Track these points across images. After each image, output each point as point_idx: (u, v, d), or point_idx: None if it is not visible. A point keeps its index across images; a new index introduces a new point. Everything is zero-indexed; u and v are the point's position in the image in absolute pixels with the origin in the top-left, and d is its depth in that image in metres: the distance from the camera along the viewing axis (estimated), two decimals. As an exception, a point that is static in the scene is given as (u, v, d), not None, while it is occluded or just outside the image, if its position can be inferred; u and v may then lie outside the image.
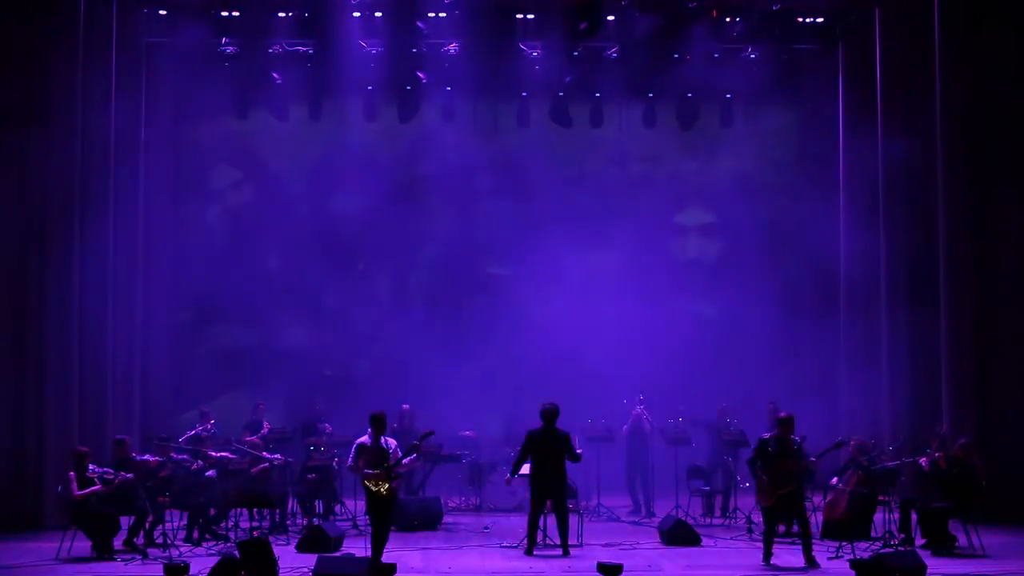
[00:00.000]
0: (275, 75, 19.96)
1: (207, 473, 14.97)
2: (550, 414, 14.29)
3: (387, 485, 12.88)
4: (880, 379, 18.11)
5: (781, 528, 14.46)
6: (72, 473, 13.70)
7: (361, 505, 16.22)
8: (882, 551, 12.81)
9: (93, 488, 13.63)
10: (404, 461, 13.28)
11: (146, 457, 14.65)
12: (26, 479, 15.74)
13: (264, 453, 15.80)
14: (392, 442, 13.24)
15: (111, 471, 13.88)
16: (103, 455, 15.04)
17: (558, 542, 14.09)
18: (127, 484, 13.87)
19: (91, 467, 13.82)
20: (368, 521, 13.35)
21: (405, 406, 17.63)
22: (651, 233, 21.95)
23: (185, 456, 15.04)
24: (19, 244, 16.02)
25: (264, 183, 21.89)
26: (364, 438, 13.15)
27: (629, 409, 17.73)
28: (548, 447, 14.19)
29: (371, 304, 21.90)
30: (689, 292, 21.69)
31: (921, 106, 17.31)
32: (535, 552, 13.99)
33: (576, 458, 14.34)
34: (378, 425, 13.15)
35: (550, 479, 14.09)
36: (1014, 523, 15.35)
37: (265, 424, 17.29)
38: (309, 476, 16.08)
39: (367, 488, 12.97)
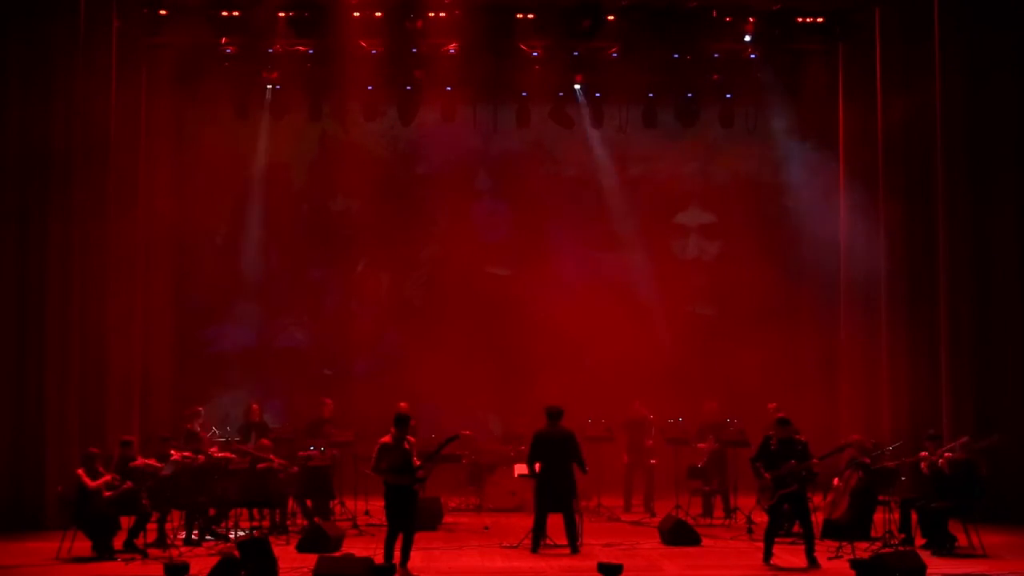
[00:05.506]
0: (274, 75, 19.95)
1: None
2: (554, 414, 14.26)
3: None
4: (880, 378, 18.09)
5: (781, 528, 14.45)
6: (80, 470, 13.73)
7: (361, 505, 16.29)
8: (882, 551, 12.80)
9: (104, 479, 13.67)
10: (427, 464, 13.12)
11: (150, 461, 14.63)
12: (26, 479, 15.73)
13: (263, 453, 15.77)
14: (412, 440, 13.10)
15: (117, 477, 13.89)
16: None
17: (559, 542, 14.10)
18: (129, 492, 13.87)
19: (101, 470, 13.83)
20: (386, 521, 13.02)
21: (403, 404, 17.61)
22: (651, 233, 21.95)
23: (187, 455, 15.01)
24: (19, 244, 16.02)
25: (264, 183, 21.87)
26: (386, 438, 12.88)
27: (627, 404, 17.81)
28: (554, 449, 14.13)
29: (371, 304, 21.89)
30: (689, 292, 21.70)
31: (922, 106, 17.29)
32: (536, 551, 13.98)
33: (583, 469, 14.27)
34: (402, 425, 12.90)
35: (557, 486, 14.02)
36: (1014, 523, 15.36)
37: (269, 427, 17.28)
38: (307, 476, 16.07)
39: (391, 487, 12.72)
